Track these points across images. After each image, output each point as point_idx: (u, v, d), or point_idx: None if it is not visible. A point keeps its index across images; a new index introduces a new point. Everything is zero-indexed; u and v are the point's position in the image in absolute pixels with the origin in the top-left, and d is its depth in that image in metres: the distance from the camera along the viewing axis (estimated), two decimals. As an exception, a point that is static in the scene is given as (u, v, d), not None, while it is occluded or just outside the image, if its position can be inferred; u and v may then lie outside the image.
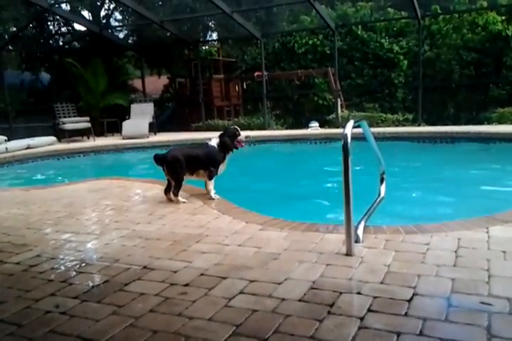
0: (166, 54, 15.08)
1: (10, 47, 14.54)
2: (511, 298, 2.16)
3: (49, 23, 15.33)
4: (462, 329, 1.94)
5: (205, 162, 4.62)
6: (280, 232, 3.39)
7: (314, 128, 11.44)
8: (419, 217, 4.23)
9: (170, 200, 4.58)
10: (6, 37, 14.94)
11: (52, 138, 11.33)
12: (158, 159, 4.52)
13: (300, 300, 2.28)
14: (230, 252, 3.02)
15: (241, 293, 2.40)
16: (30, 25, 14.48)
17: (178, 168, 4.50)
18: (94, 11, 15.83)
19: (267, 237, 3.29)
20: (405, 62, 13.24)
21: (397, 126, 11.14)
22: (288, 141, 10.58)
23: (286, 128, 12.74)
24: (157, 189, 5.30)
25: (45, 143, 10.86)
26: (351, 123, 2.89)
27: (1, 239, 3.61)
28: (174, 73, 15.80)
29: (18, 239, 3.61)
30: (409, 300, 2.21)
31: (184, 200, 4.52)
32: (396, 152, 8.67)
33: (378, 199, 3.74)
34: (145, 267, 2.84)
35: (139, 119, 11.99)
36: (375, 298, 2.26)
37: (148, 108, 12.56)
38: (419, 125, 11.06)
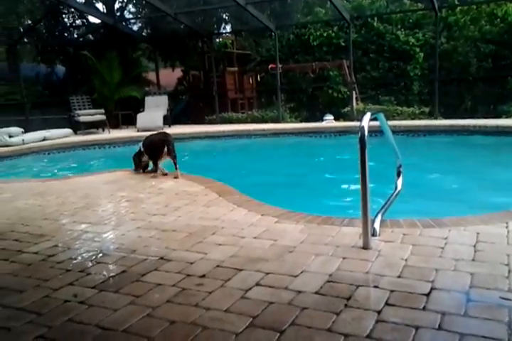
0: (180, 46, 15.04)
1: (25, 40, 14.64)
2: (532, 293, 2.13)
3: (64, 16, 15.37)
4: (482, 324, 1.92)
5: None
6: (296, 225, 3.38)
7: (329, 121, 11.36)
8: (436, 211, 4.19)
9: (164, 175, 5.66)
10: (22, 30, 15.05)
11: (68, 131, 11.40)
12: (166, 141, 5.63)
13: (316, 293, 2.27)
14: (245, 244, 3.02)
15: (257, 285, 2.40)
16: (45, 18, 14.53)
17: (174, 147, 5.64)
18: (109, 3, 15.83)
19: (282, 230, 3.29)
20: (421, 54, 13.05)
21: (413, 119, 11.02)
22: (302, 134, 10.51)
23: (301, 121, 12.67)
24: (171, 181, 5.33)
25: (60, 135, 10.94)
26: (368, 115, 2.85)
27: (19, 229, 3.66)
28: (188, 66, 15.75)
29: (36, 229, 3.65)
30: (428, 294, 2.19)
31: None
32: (412, 145, 8.59)
33: (395, 193, 3.71)
34: (161, 258, 2.85)
35: (154, 112, 12.02)
36: (392, 291, 2.24)
37: (163, 100, 12.57)
38: (435, 118, 10.91)
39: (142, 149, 5.91)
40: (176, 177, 5.47)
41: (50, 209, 4.30)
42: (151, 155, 5.80)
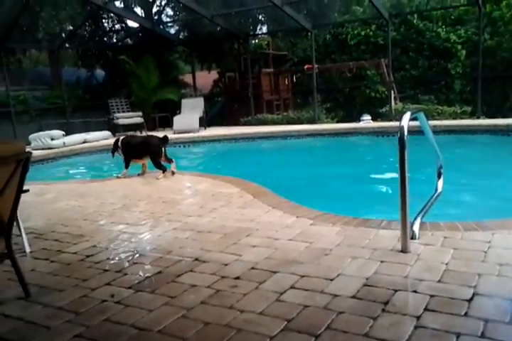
0: (216, 49, 15.16)
1: (67, 45, 15.08)
2: None
3: (103, 21, 15.76)
4: (529, 333, 1.83)
5: None
6: (332, 227, 3.32)
7: (366, 122, 11.17)
8: (478, 214, 4.04)
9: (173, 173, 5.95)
10: (63, 35, 15.52)
11: (107, 133, 11.68)
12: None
13: (353, 297, 2.22)
14: (280, 246, 2.99)
15: (292, 287, 2.37)
16: (86, 23, 14.93)
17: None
18: (147, 8, 16.12)
19: (318, 232, 3.24)
20: (463, 51, 12.66)
21: (454, 118, 10.70)
22: (339, 135, 10.39)
23: (337, 122, 12.52)
24: (207, 182, 5.35)
25: (100, 137, 11.22)
26: (408, 114, 2.77)
27: (59, 230, 3.76)
28: (224, 67, 15.87)
29: (75, 229, 3.74)
30: (469, 300, 2.10)
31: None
32: (454, 146, 8.34)
33: (435, 195, 3.60)
34: (196, 259, 2.86)
35: (190, 114, 12.15)
36: (432, 296, 2.17)
37: (199, 103, 12.69)
38: (478, 117, 10.57)
39: (120, 146, 6.24)
40: (173, 173, 6.00)
41: (89, 209, 4.40)
42: (150, 154, 6.07)
